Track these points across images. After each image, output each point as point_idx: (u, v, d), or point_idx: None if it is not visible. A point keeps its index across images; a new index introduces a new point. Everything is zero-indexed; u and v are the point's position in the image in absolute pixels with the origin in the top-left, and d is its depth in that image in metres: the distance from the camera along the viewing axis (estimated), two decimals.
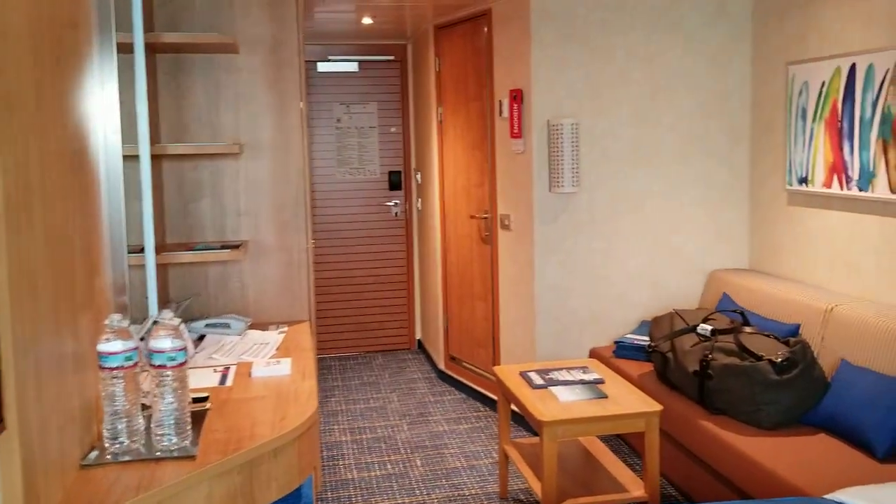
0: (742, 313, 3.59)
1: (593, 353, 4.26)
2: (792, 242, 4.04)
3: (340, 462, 4.01)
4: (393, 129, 5.95)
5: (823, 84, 3.70)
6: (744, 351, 3.22)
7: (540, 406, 3.04)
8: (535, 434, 4.24)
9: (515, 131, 4.22)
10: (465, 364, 5.08)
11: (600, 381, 3.31)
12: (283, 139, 3.39)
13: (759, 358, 3.13)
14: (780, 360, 3.07)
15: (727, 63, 4.30)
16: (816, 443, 2.90)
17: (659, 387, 3.58)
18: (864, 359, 3.13)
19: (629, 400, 3.09)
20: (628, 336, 4.10)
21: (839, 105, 3.61)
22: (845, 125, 3.58)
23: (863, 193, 3.49)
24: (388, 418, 4.63)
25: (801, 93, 3.87)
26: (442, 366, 5.35)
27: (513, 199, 4.37)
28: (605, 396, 3.12)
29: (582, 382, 3.29)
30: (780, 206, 4.13)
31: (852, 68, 3.51)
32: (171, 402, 1.86)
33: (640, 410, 2.99)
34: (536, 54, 4.10)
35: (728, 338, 3.36)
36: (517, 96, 4.18)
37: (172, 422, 1.86)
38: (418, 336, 6.11)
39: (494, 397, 4.68)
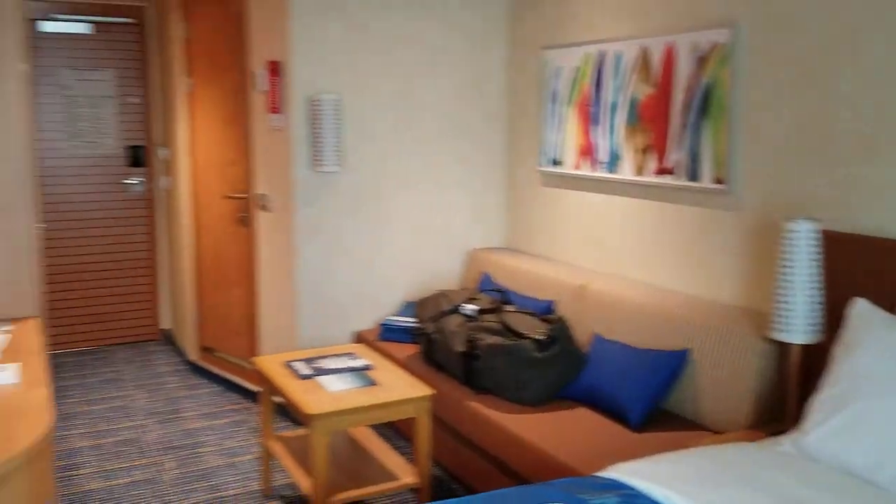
0: (502, 292, 3.66)
1: (358, 337, 4.16)
2: (545, 222, 4.21)
3: (79, 472, 3.57)
4: (135, 100, 5.40)
5: (576, 69, 3.87)
6: (507, 330, 3.28)
7: (308, 398, 2.87)
8: (300, 425, 4.06)
9: (274, 106, 3.98)
10: (220, 354, 4.77)
11: (369, 368, 3.21)
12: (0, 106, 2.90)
13: (522, 336, 3.20)
14: (541, 337, 3.16)
15: (485, 46, 4.36)
16: (578, 417, 3.02)
17: (426, 368, 3.57)
18: (615, 332, 3.31)
19: (399, 385, 3.02)
20: (392, 318, 4.04)
21: (589, 90, 3.79)
22: (595, 110, 3.76)
23: (610, 175, 3.69)
24: (134, 418, 4.22)
25: (554, 77, 4.02)
26: (194, 357, 4.98)
27: (272, 179, 4.13)
28: (375, 383, 3.03)
29: (350, 370, 3.18)
30: (533, 186, 4.28)
31: (602, 55, 3.69)
32: None
33: (410, 396, 2.93)
34: (295, 25, 3.88)
35: (492, 317, 3.41)
36: (275, 69, 3.94)
37: None
38: (164, 326, 5.65)
39: (255, 388, 4.43)
